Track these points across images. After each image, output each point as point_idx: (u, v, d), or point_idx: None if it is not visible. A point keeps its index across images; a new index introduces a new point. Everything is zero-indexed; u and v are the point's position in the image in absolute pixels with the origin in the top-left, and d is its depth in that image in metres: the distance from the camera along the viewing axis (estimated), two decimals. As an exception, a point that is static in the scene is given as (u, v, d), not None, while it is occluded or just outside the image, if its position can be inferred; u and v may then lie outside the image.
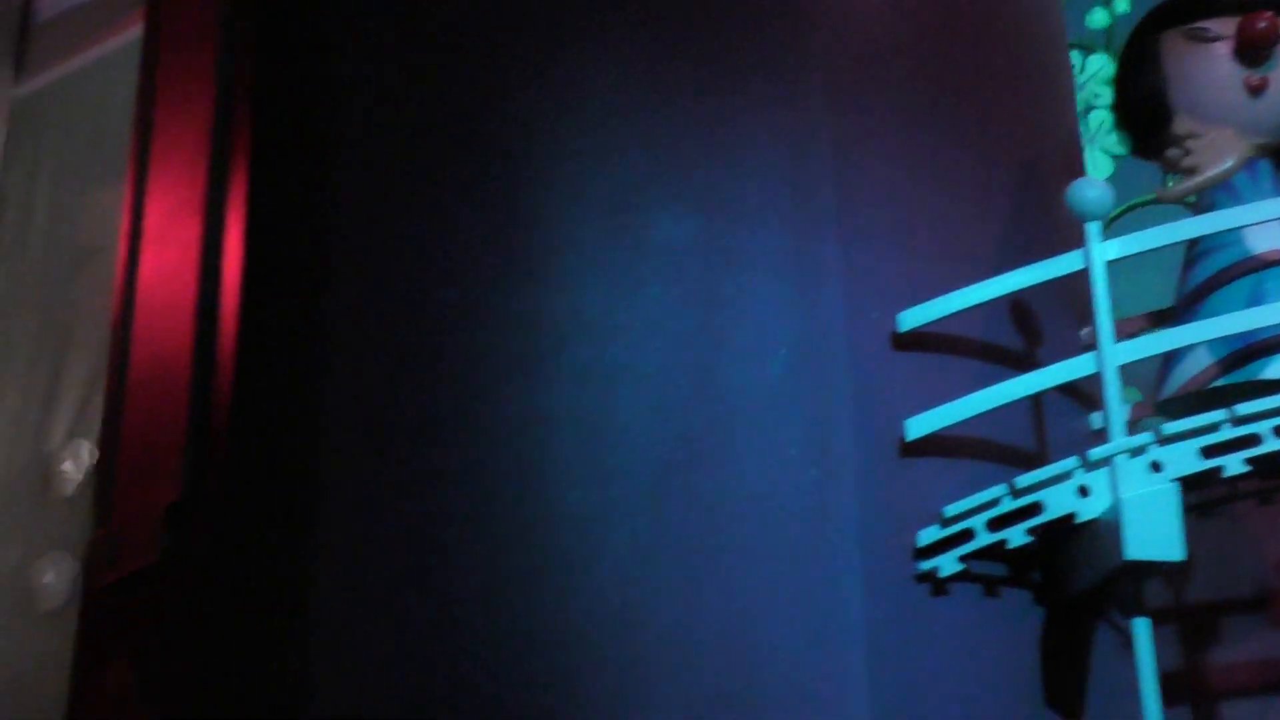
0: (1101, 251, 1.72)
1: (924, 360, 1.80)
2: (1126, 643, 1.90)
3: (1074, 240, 2.11)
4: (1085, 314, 2.11)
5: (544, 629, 1.51)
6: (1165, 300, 2.17)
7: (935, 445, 1.75)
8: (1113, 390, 1.67)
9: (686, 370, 1.67)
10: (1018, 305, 1.90)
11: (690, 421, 1.66)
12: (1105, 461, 1.63)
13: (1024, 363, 1.89)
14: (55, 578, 4.20)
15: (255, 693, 1.29)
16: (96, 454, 4.31)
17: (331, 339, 1.48)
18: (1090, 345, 1.74)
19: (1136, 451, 1.63)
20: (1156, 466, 1.62)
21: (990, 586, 1.75)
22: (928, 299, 1.78)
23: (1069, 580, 1.74)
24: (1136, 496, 1.54)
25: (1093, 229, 1.73)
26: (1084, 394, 1.95)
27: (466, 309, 1.58)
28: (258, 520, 1.32)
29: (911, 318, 1.76)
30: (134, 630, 1.41)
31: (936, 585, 1.69)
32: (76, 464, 4.42)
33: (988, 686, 1.71)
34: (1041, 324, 1.95)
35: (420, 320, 1.55)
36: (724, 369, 1.69)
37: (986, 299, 1.78)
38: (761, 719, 1.57)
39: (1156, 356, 1.93)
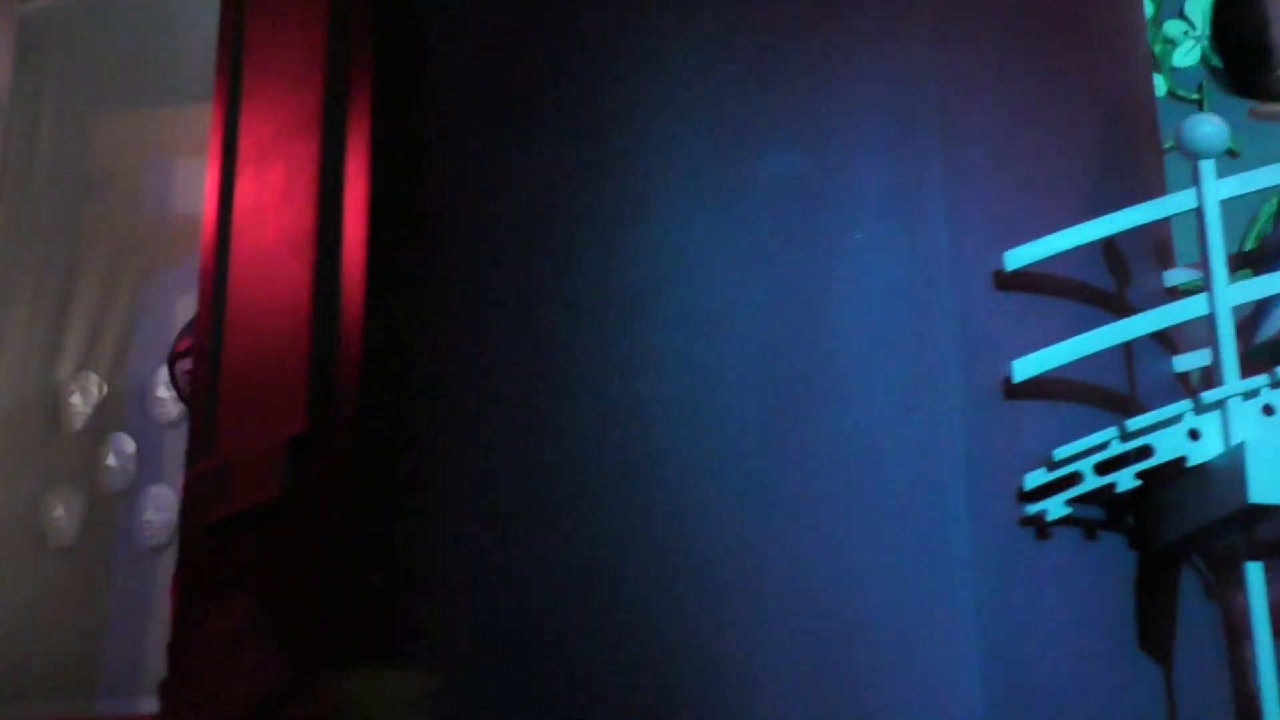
0: (1214, 190, 1.69)
1: (1026, 301, 1.77)
2: (1209, 587, 1.91)
3: (1153, 182, 2.10)
4: (1165, 256, 2.10)
5: (658, 568, 1.48)
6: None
7: (1034, 387, 1.72)
8: (1225, 332, 1.65)
9: (790, 311, 1.64)
10: (1110, 247, 1.88)
11: (795, 363, 1.62)
12: (1217, 405, 1.62)
13: (1114, 305, 1.87)
14: (65, 514, 4.13)
15: (377, 630, 1.26)
16: (105, 387, 4.23)
17: (448, 276, 1.44)
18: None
19: (1249, 395, 1.62)
20: (1269, 410, 1.61)
21: (1089, 530, 1.74)
22: (1029, 238, 1.75)
23: (1166, 525, 1.73)
24: (1261, 441, 1.52)
25: (1206, 167, 1.70)
26: (1167, 337, 1.94)
27: (572, 247, 1.53)
28: (382, 455, 1.27)
29: (1017, 257, 1.73)
30: (248, 564, 1.37)
31: (1040, 529, 1.68)
32: (85, 397, 4.33)
33: (1085, 629, 1.71)
34: (1129, 266, 1.93)
35: (528, 260, 1.50)
36: (828, 309, 1.66)
37: (1093, 239, 1.75)
38: (871, 658, 1.56)
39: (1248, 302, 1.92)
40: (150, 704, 3.89)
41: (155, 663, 3.91)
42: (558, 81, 1.58)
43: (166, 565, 4.01)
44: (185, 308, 4.25)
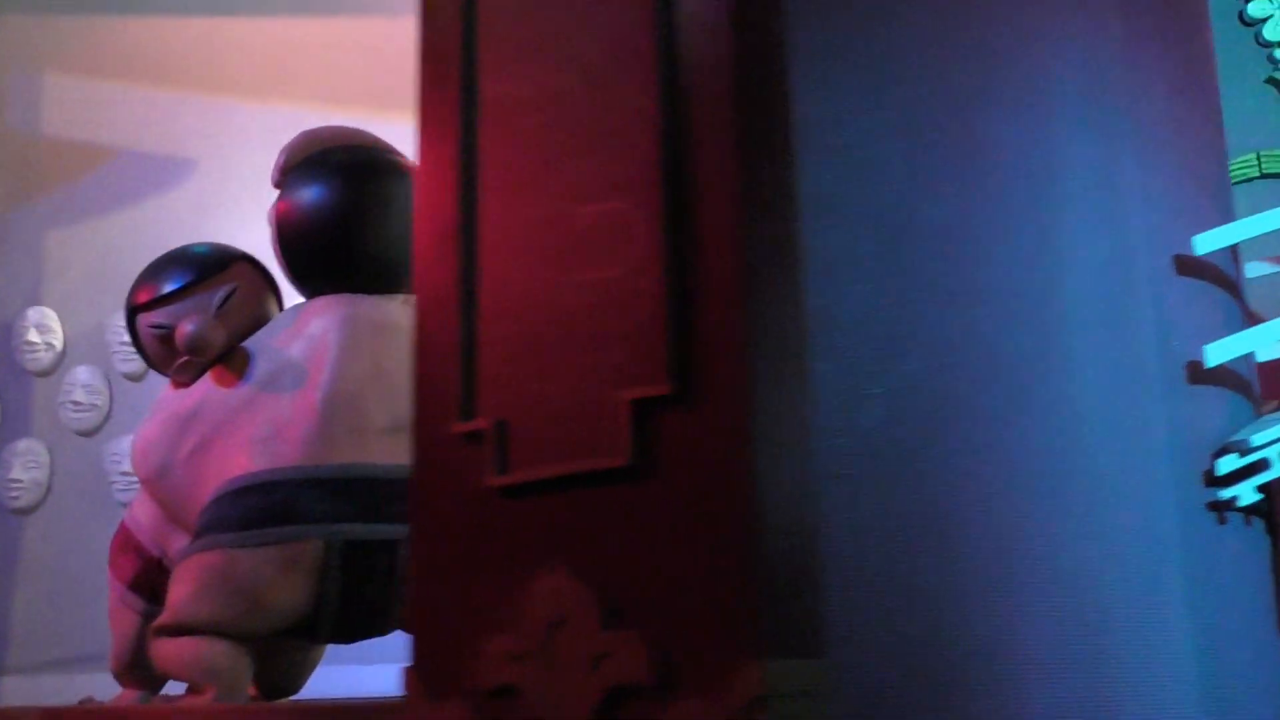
0: None
1: (1200, 286, 1.79)
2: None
3: None
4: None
5: (936, 553, 1.41)
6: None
7: (1215, 372, 1.74)
8: None
9: (1022, 287, 1.59)
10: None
11: (1026, 342, 1.58)
12: (1402, 397, 1.67)
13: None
14: (23, 473, 3.64)
15: (764, 616, 1.13)
16: (59, 319, 3.75)
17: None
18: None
19: None
20: None
21: (1247, 515, 1.77)
22: (1205, 221, 1.77)
23: (1315, 511, 1.78)
24: None
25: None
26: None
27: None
28: (745, 423, 1.14)
29: (1208, 241, 1.73)
30: (581, 534, 1.21)
31: (1220, 514, 1.70)
32: (42, 332, 3.82)
33: (1254, 612, 1.74)
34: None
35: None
36: (1052, 288, 1.62)
37: (1282, 226, 1.78)
38: (1104, 642, 1.53)
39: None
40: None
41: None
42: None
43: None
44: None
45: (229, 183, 3.94)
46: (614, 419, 1.18)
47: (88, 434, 3.76)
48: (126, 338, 3.67)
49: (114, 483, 3.72)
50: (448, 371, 1.34)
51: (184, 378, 2.61)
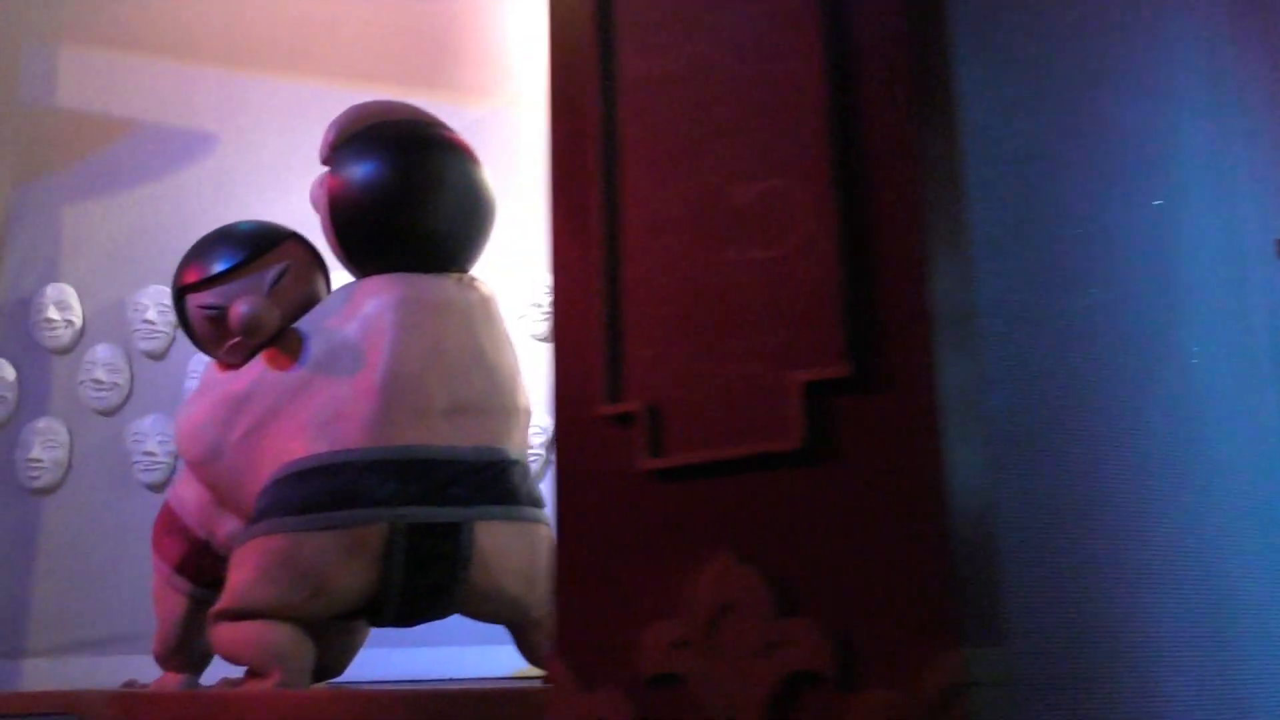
0: None
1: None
2: None
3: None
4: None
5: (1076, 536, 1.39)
6: None
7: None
8: None
9: (1147, 267, 1.57)
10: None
11: (1148, 324, 1.56)
12: None
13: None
14: (43, 452, 3.56)
15: (924, 598, 1.10)
16: (77, 297, 3.67)
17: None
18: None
19: None
20: None
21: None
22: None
23: None
24: None
25: None
26: None
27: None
28: (933, 405, 1.11)
29: (1316, 228, 1.72)
30: (748, 518, 1.18)
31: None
32: (61, 310, 3.73)
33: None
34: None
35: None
36: (1175, 269, 1.60)
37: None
38: (1231, 628, 1.52)
39: None
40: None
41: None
42: None
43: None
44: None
45: (250, 158, 3.87)
46: (783, 401, 1.15)
47: (108, 413, 3.70)
48: (149, 315, 3.65)
49: (136, 463, 3.65)
50: (591, 353, 1.30)
51: (235, 359, 2.56)
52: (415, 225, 2.51)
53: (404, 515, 2.32)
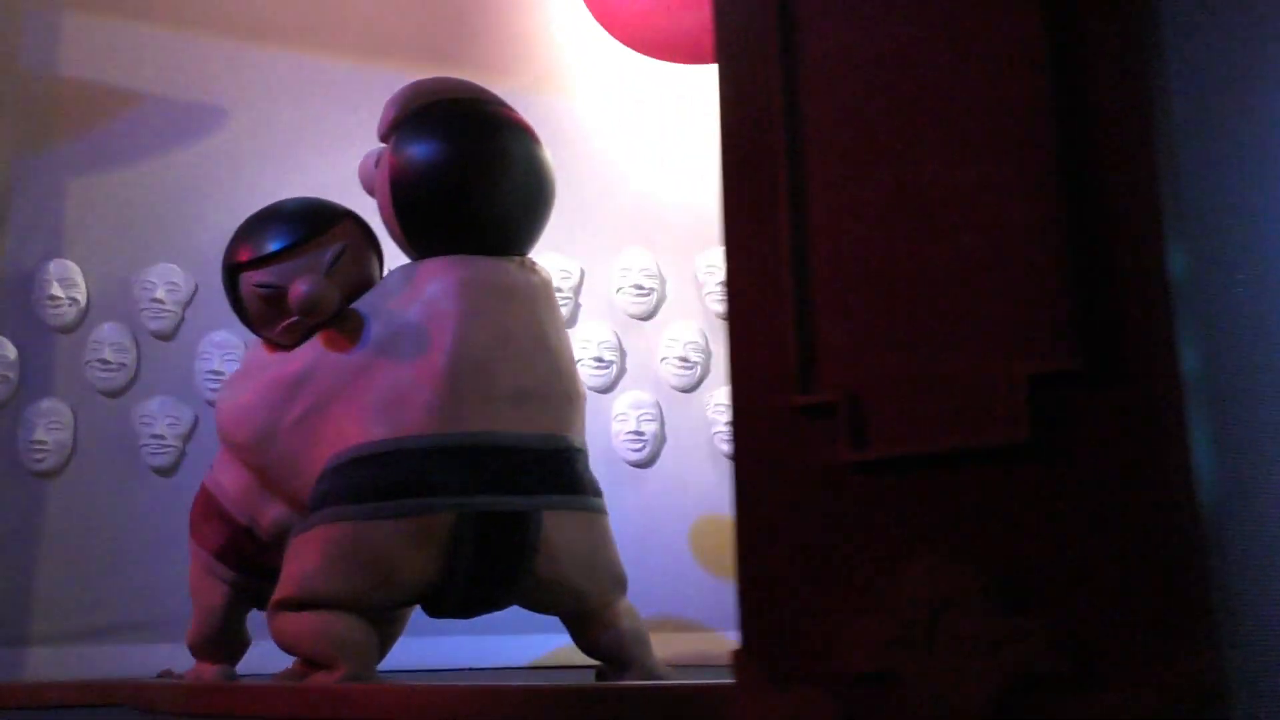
0: None
1: None
2: None
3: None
4: None
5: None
6: None
7: None
8: None
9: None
10: None
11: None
12: None
13: None
14: (46, 434, 3.44)
15: (1173, 599, 1.07)
16: (84, 273, 3.52)
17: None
18: None
19: None
20: None
21: None
22: None
23: None
24: None
25: None
26: None
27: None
28: (1178, 400, 1.08)
29: None
30: (965, 513, 1.15)
31: None
32: (66, 287, 3.59)
33: None
34: None
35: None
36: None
37: None
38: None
39: None
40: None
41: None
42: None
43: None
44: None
45: (262, 135, 3.77)
46: (1005, 393, 1.11)
47: (114, 394, 3.58)
48: (157, 293, 3.54)
49: (144, 446, 3.54)
50: (778, 342, 1.26)
51: (288, 340, 2.48)
52: (481, 207, 2.44)
53: (472, 504, 2.26)
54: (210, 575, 2.59)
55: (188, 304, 3.65)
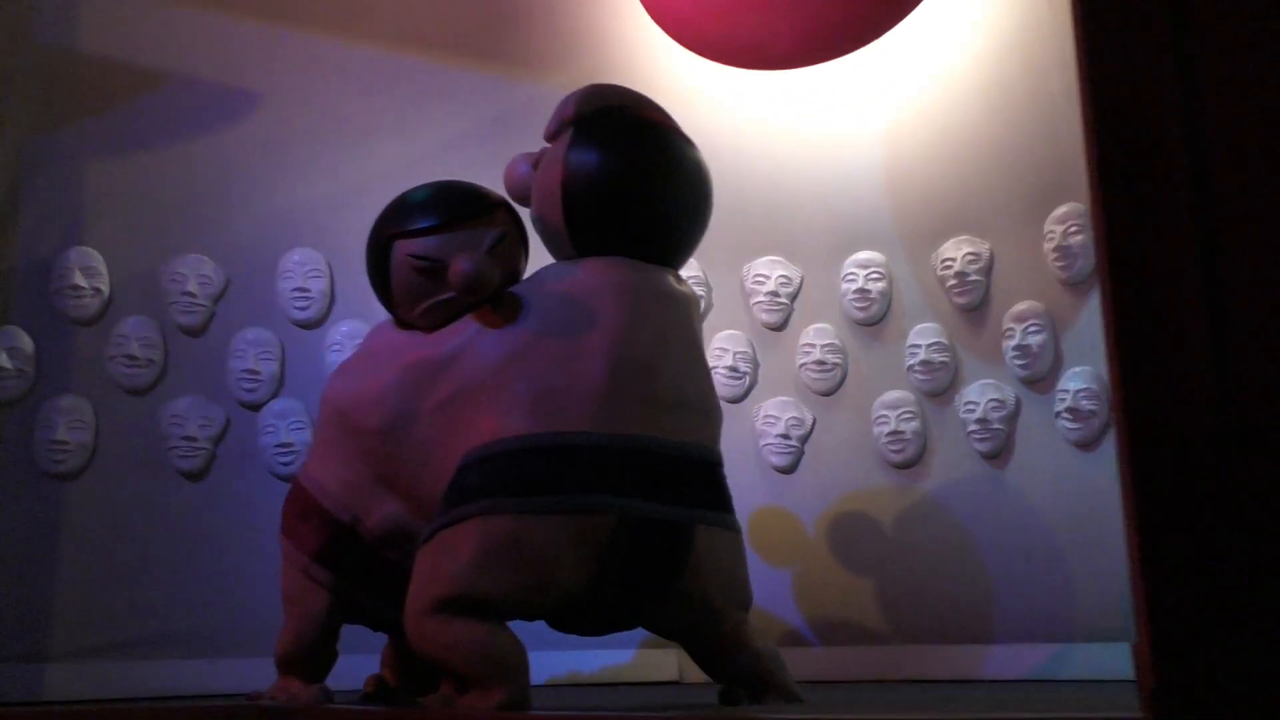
0: None
1: None
2: None
3: None
4: None
5: None
6: None
7: None
8: None
9: None
10: None
11: None
12: None
13: None
14: (68, 434, 3.16)
15: None
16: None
17: None
18: None
19: None
20: None
21: None
22: None
23: None
24: None
25: None
26: None
27: None
28: None
29: None
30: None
31: None
32: (89, 276, 3.33)
33: None
34: None
35: None
36: None
37: None
38: None
39: None
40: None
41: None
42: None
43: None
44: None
45: (294, 121, 3.59)
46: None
47: (139, 392, 3.36)
48: (189, 286, 3.34)
49: (174, 448, 3.33)
50: (1185, 361, 1.20)
51: (429, 321, 2.38)
52: (653, 214, 2.41)
53: (633, 509, 2.17)
54: (308, 579, 2.44)
55: (219, 298, 3.45)
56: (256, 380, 3.40)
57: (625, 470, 2.18)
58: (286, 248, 3.51)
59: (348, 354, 3.40)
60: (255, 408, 3.41)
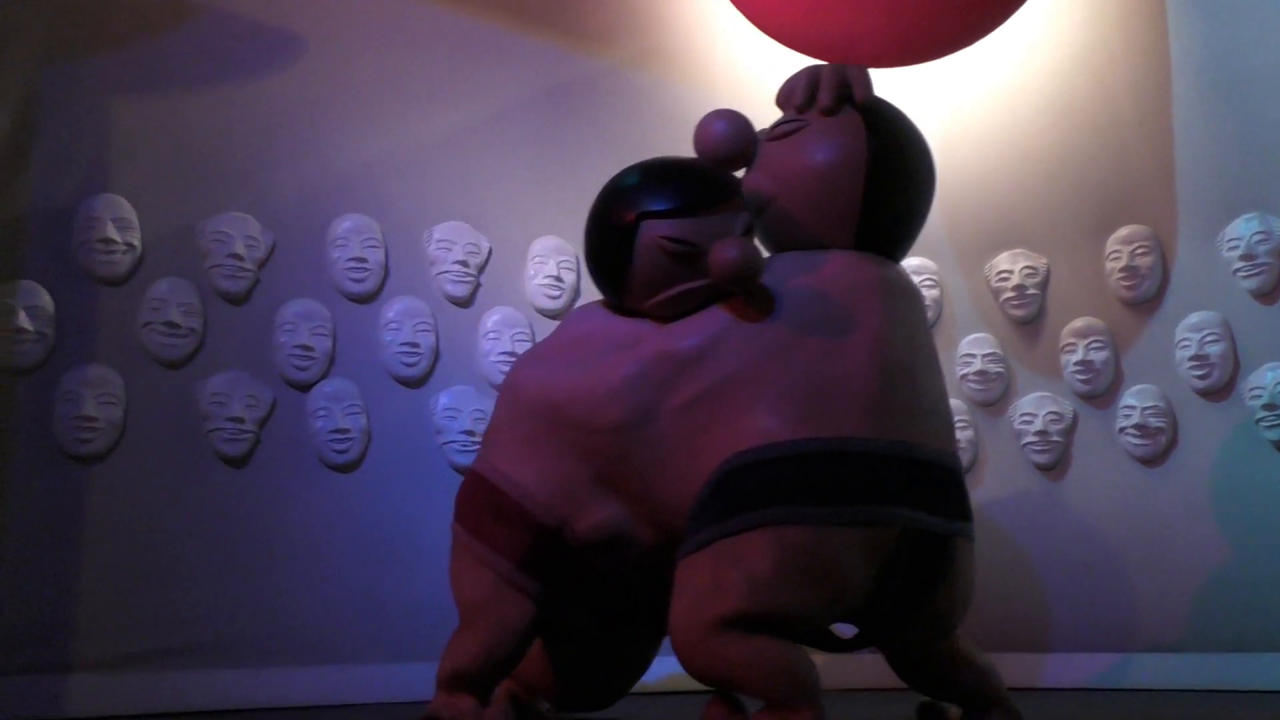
0: None
1: None
2: None
3: None
4: None
5: None
6: None
7: None
8: None
9: None
10: None
11: None
12: None
13: None
14: (96, 409, 2.68)
15: None
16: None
17: None
18: None
19: None
20: None
21: None
22: None
23: None
24: None
25: None
26: None
27: None
28: None
29: None
30: None
31: None
32: (122, 229, 2.85)
33: None
34: None
35: None
36: None
37: None
38: None
39: None
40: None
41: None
42: None
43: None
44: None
45: (341, 75, 3.25)
46: None
47: (175, 365, 2.95)
48: (236, 248, 2.98)
49: (218, 430, 2.94)
50: None
51: (668, 310, 2.18)
52: (923, 210, 2.33)
53: (914, 520, 2.06)
54: (512, 589, 2.19)
55: (263, 264, 3.08)
56: (309, 358, 3.05)
57: (903, 478, 2.06)
58: (337, 213, 3.17)
59: (405, 334, 3.13)
60: (305, 388, 3.06)
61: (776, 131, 2.30)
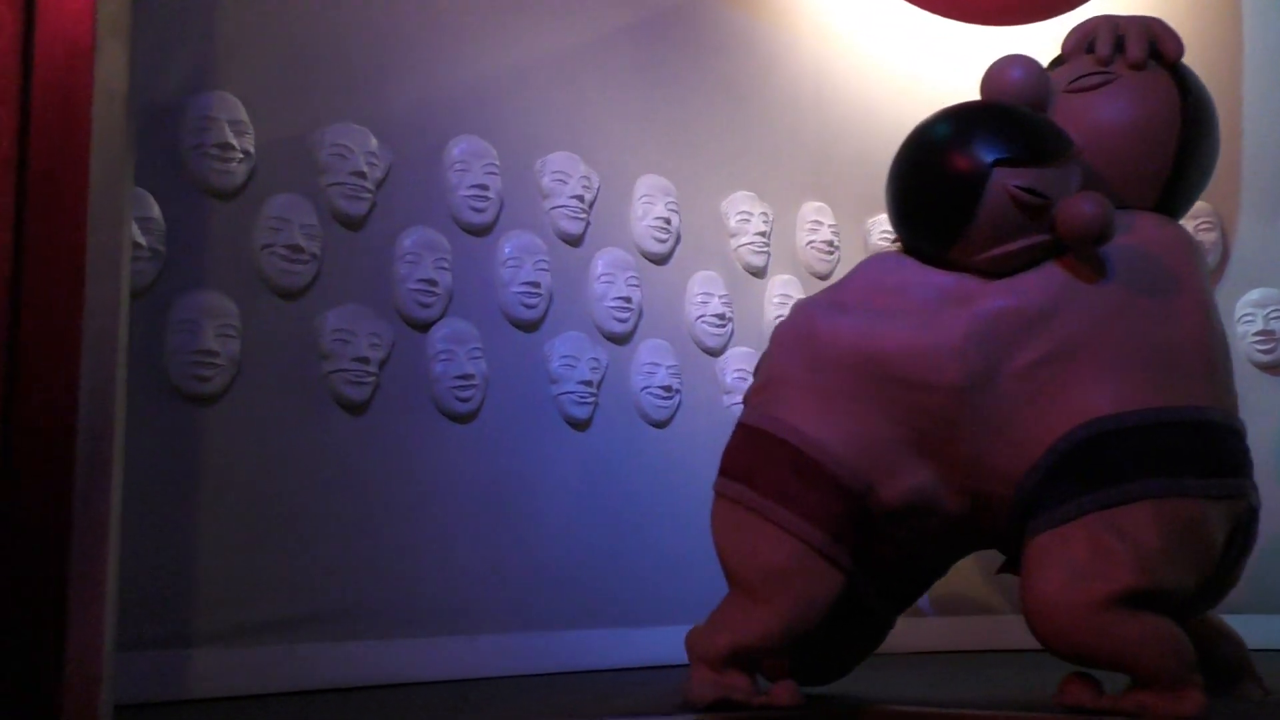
0: None
1: None
2: None
3: None
4: None
5: None
6: None
7: None
8: None
9: None
10: None
11: None
12: None
13: None
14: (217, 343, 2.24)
15: None
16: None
17: None
18: None
19: None
20: None
21: None
22: None
23: None
24: None
25: None
26: None
27: None
28: None
29: None
30: None
31: None
32: (238, 134, 2.39)
33: None
34: None
35: None
36: None
37: None
38: None
39: None
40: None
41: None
42: None
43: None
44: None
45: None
46: None
47: (292, 295, 2.57)
48: (359, 165, 2.68)
49: (339, 371, 2.58)
50: None
51: (998, 266, 2.06)
52: (1210, 170, 2.25)
53: (1255, 493, 2.03)
54: (820, 559, 2.02)
55: (381, 185, 2.72)
56: (433, 293, 2.72)
57: (1245, 450, 2.04)
58: (451, 134, 2.84)
59: (526, 272, 2.86)
60: (424, 327, 2.73)
61: (1079, 84, 2.19)
